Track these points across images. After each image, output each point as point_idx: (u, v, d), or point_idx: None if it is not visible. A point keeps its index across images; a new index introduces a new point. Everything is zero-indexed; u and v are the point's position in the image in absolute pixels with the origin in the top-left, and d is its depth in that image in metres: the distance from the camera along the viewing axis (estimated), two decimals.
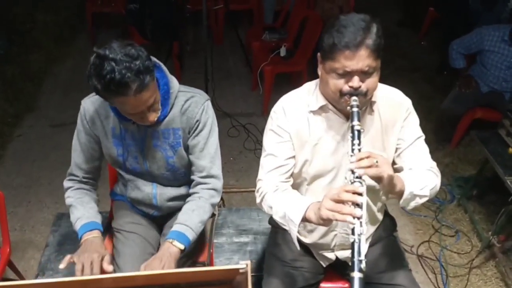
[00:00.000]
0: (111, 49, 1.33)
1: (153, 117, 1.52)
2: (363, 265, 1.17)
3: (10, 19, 5.28)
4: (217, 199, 1.74)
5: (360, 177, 1.23)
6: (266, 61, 4.02)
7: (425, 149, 1.57)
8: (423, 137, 1.58)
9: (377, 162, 1.25)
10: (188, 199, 1.72)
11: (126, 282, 1.08)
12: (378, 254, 1.70)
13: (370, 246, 1.71)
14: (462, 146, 3.69)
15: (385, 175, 1.26)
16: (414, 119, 1.57)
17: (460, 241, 2.89)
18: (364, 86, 1.35)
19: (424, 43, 5.46)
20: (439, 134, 3.75)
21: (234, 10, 4.95)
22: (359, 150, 1.28)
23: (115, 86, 1.33)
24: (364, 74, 1.34)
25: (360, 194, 1.21)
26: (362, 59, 1.30)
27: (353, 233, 1.19)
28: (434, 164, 1.56)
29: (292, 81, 4.25)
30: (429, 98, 4.30)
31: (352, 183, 1.24)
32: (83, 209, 1.68)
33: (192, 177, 1.74)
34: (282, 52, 4.11)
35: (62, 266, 1.49)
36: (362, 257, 1.17)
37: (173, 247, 1.55)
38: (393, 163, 1.59)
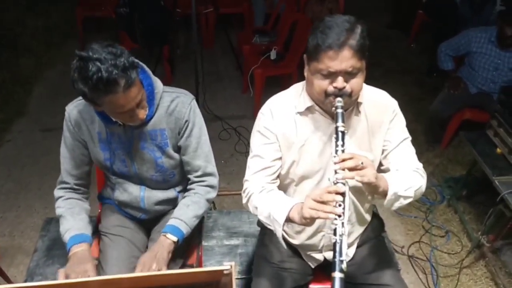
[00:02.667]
0: (93, 50, 1.33)
1: (142, 114, 1.52)
2: (344, 265, 1.18)
3: (0, 24, 5.25)
4: (213, 195, 1.78)
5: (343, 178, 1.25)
6: (256, 64, 4.03)
7: (412, 150, 1.58)
8: (410, 138, 1.59)
9: (362, 163, 1.26)
10: (185, 194, 1.76)
11: (112, 285, 1.08)
12: (366, 255, 1.71)
13: (358, 247, 1.72)
14: (452, 147, 3.72)
15: (367, 180, 1.27)
16: (401, 120, 1.58)
17: (450, 241, 2.91)
18: (348, 87, 1.36)
19: (414, 46, 5.50)
20: (429, 135, 3.78)
21: (225, 13, 4.97)
22: (343, 151, 1.29)
23: (104, 85, 1.33)
24: (348, 75, 1.35)
25: (342, 194, 1.23)
26: (345, 59, 1.31)
27: (335, 234, 1.21)
28: (420, 165, 1.57)
29: (282, 84, 4.24)
30: (419, 99, 4.34)
31: (335, 184, 1.26)
32: (72, 220, 1.66)
33: (188, 176, 1.76)
34: (273, 55, 4.13)
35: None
36: (344, 257, 1.19)
37: (166, 239, 1.61)
38: (380, 164, 1.60)
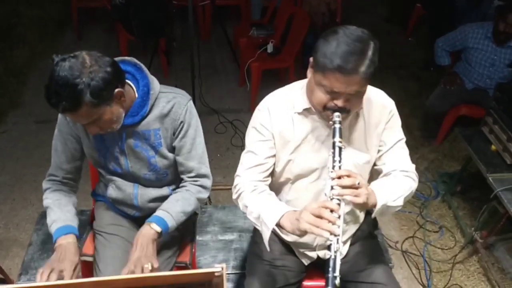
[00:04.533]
0: (64, 65, 1.35)
1: (92, 130, 1.51)
2: (337, 281, 1.20)
3: None
4: (204, 195, 1.77)
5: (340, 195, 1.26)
6: (253, 57, 4.01)
7: (405, 152, 1.58)
8: (404, 139, 1.59)
9: (358, 183, 1.27)
10: (176, 190, 1.76)
11: (106, 285, 1.08)
12: (359, 253, 1.71)
13: (351, 244, 1.73)
14: (447, 142, 3.73)
15: (360, 201, 1.28)
16: (397, 121, 1.57)
17: (444, 237, 2.93)
18: (348, 106, 1.35)
19: (411, 40, 5.48)
20: (425, 130, 3.79)
21: (221, 5, 4.94)
22: (340, 167, 1.30)
23: (45, 97, 1.37)
24: (351, 95, 1.33)
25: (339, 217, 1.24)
26: (352, 84, 1.29)
27: (329, 249, 1.22)
28: (413, 167, 1.57)
29: (279, 78, 4.25)
30: (416, 94, 4.34)
31: (331, 199, 1.26)
32: (59, 211, 1.65)
33: (182, 176, 1.76)
34: (269, 48, 4.10)
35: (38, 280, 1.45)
36: (337, 273, 1.20)
37: (150, 228, 1.59)
38: (374, 164, 1.60)
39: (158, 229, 1.60)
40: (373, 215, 1.42)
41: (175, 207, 1.67)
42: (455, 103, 3.47)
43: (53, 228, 1.62)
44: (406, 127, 1.63)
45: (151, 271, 1.47)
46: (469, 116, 3.43)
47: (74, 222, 1.66)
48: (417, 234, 2.93)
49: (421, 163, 3.47)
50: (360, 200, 1.28)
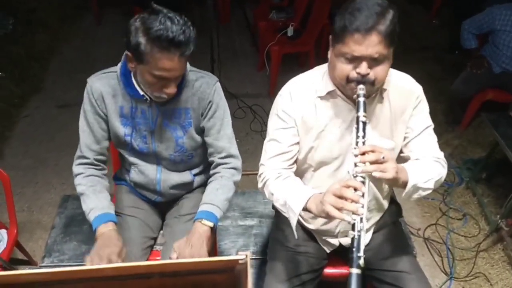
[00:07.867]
0: (166, 10, 1.37)
1: (173, 89, 1.49)
2: (361, 262, 1.17)
3: None
4: (238, 178, 1.75)
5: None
6: (273, 41, 3.94)
7: (433, 139, 1.53)
8: (432, 126, 1.54)
9: (383, 157, 1.22)
10: (211, 179, 1.73)
11: (127, 271, 1.08)
12: (383, 241, 1.69)
13: (375, 232, 1.70)
14: (472, 127, 3.63)
15: (389, 176, 1.23)
16: (424, 107, 1.52)
17: (467, 224, 2.87)
18: (372, 74, 1.30)
19: (436, 22, 5.32)
20: (449, 115, 3.70)
21: None
22: (363, 143, 1.26)
23: (167, 42, 1.34)
24: (373, 61, 1.29)
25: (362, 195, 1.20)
26: (372, 45, 1.25)
27: (353, 229, 1.19)
28: (441, 154, 1.53)
29: (299, 62, 4.19)
30: (439, 78, 4.22)
31: (354, 177, 1.22)
32: (96, 198, 1.64)
33: (211, 158, 1.74)
34: (289, 32, 4.03)
35: None
36: (361, 253, 1.17)
37: (202, 226, 1.58)
38: (401, 151, 1.55)
39: (211, 224, 1.59)
40: (402, 195, 1.38)
41: (218, 197, 1.65)
42: (482, 88, 3.36)
43: (91, 215, 1.61)
44: (429, 111, 1.57)
45: None
46: (495, 101, 3.32)
47: (111, 209, 1.65)
48: (440, 222, 2.87)
49: (445, 149, 3.35)
50: (389, 175, 1.23)
